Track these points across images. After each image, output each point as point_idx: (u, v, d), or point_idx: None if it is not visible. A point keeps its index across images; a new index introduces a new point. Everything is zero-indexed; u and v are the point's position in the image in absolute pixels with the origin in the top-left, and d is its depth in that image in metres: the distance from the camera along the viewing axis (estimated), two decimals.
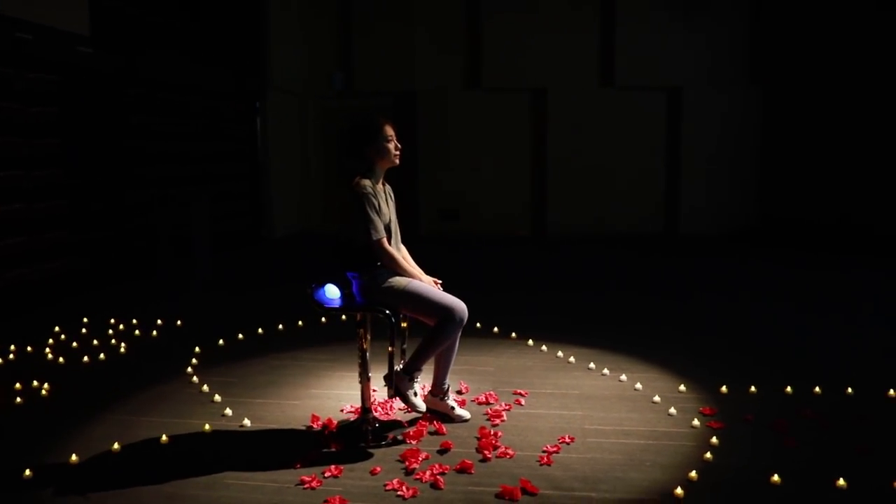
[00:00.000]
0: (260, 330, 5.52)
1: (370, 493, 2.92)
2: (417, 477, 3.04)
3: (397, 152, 3.45)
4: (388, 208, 3.49)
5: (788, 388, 4.09)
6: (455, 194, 11.83)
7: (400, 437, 3.46)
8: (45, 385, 4.20)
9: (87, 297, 6.88)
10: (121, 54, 7.53)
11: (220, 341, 5.19)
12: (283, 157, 11.47)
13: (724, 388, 4.11)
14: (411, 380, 3.49)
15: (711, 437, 3.43)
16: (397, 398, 3.62)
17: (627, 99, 11.52)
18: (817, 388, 4.08)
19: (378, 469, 3.12)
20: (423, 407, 3.55)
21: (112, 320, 5.76)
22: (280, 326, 5.62)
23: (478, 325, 5.48)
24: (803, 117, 10.81)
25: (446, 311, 3.37)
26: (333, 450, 3.34)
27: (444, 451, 3.31)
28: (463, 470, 3.10)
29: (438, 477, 3.01)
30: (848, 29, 10.01)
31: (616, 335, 5.37)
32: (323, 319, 5.84)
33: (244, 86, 10.42)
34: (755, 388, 4.11)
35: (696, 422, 3.62)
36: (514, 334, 5.32)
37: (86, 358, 4.78)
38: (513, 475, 3.06)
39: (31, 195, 6.44)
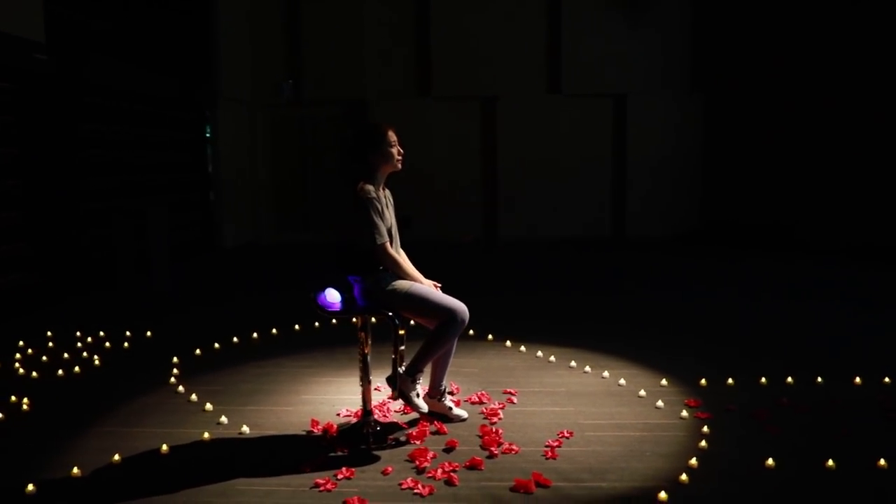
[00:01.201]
0: (235, 339, 5.46)
1: (387, 493, 2.96)
2: (430, 475, 3.09)
3: (400, 157, 3.51)
4: (389, 213, 3.54)
5: (763, 379, 4.31)
6: (407, 201, 11.85)
7: (403, 439, 3.50)
8: (25, 400, 4.06)
9: (47, 310, 6.65)
10: (73, 62, 7.32)
11: (198, 351, 5.11)
12: (232, 167, 11.30)
13: (703, 381, 4.31)
14: (413, 381, 3.53)
15: (702, 426, 3.60)
16: (395, 400, 3.67)
17: (575, 105, 11.83)
18: (789, 378, 4.32)
19: (389, 469, 3.15)
20: (425, 408, 3.60)
21: (78, 333, 5.60)
22: (255, 335, 5.57)
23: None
24: (742, 124, 11.33)
25: (449, 313, 3.44)
26: (339, 453, 3.36)
27: (449, 449, 3.37)
28: (473, 467, 3.17)
29: (452, 474, 3.07)
30: (785, 40, 10.56)
31: (587, 334, 5.53)
32: (297, 327, 5.82)
33: (193, 94, 10.24)
34: (732, 380, 4.31)
35: (684, 413, 3.79)
36: (490, 336, 5.42)
37: (60, 371, 4.64)
38: (522, 469, 3.14)
39: None
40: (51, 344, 5.32)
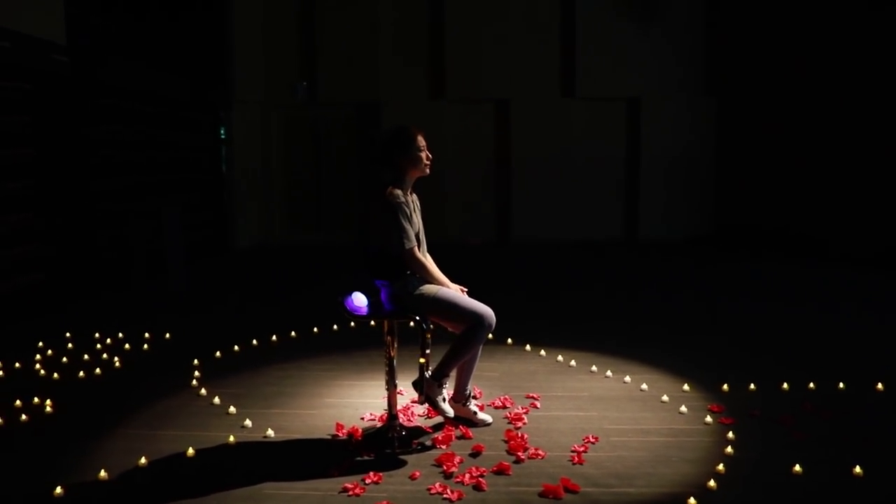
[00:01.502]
0: (255, 341, 5.47)
1: (416, 498, 2.95)
2: (458, 480, 3.09)
3: (428, 162, 3.52)
4: (417, 217, 3.54)
5: (785, 385, 4.30)
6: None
7: (428, 443, 3.50)
8: (48, 401, 4.08)
9: (63, 311, 6.67)
10: (91, 63, 7.36)
11: (218, 353, 5.12)
12: (246, 168, 11.33)
13: (725, 387, 4.29)
14: (440, 386, 3.53)
15: (727, 432, 3.59)
16: (422, 404, 3.67)
17: (588, 109, 11.82)
18: (811, 384, 4.30)
19: (417, 474, 3.15)
20: (451, 412, 3.60)
21: (97, 334, 5.61)
22: (274, 337, 5.58)
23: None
24: (755, 127, 11.29)
25: (476, 318, 3.44)
26: (365, 457, 3.36)
27: (476, 454, 3.37)
28: (500, 471, 3.17)
29: (480, 479, 3.07)
30: (798, 43, 10.52)
31: (604, 337, 5.52)
32: (315, 329, 5.83)
33: (208, 95, 10.27)
34: (753, 385, 4.30)
35: (708, 418, 3.78)
36: (509, 340, 5.41)
37: (81, 373, 4.66)
38: (549, 475, 3.14)
39: (2, 207, 6.22)
40: (70, 345, 5.34)
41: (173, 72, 9.34)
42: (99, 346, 5.36)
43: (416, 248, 3.46)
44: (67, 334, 5.60)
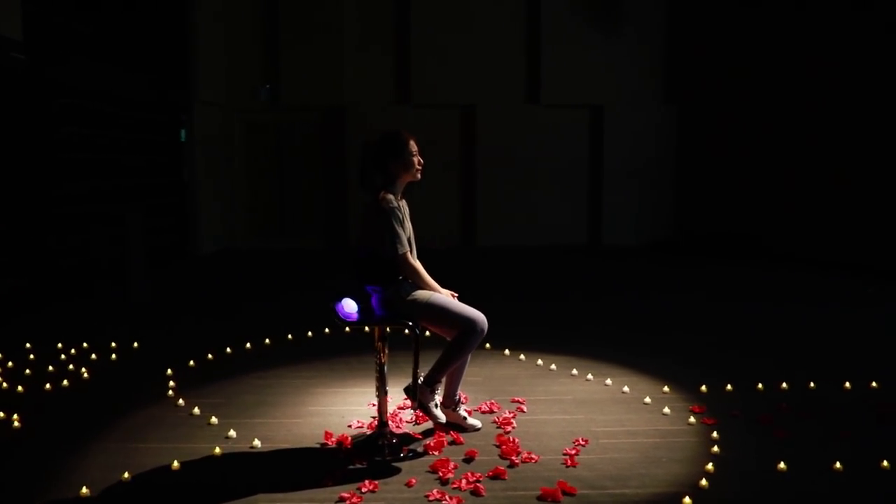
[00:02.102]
0: (228, 349, 5.34)
1: None
2: (455, 486, 3.07)
3: (420, 167, 3.50)
4: (407, 223, 3.53)
5: (760, 385, 4.41)
6: None
7: (420, 450, 3.47)
8: (15, 416, 3.91)
9: (22, 319, 6.42)
10: (50, 62, 7.11)
11: (191, 362, 4.99)
12: (208, 171, 11.10)
13: (703, 388, 4.38)
14: (432, 391, 3.51)
15: (711, 432, 3.66)
16: (414, 410, 3.65)
17: (552, 116, 11.95)
18: (784, 384, 4.42)
19: (413, 481, 3.12)
20: (443, 418, 3.58)
21: (59, 345, 5.41)
22: (248, 345, 5.47)
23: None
24: (714, 136, 11.59)
25: (468, 323, 3.43)
26: (358, 466, 3.31)
27: (469, 459, 3.35)
28: (496, 476, 3.16)
29: (477, 484, 3.06)
30: (757, 54, 10.83)
31: (580, 341, 5.58)
32: (290, 336, 5.73)
33: (169, 97, 10.04)
34: (730, 385, 4.39)
35: (691, 419, 3.85)
36: (488, 345, 5.41)
37: (48, 385, 4.48)
38: (544, 478, 3.15)
39: None
40: (32, 356, 5.13)
41: (134, 72, 9.11)
42: (63, 356, 5.16)
43: (409, 253, 3.44)
44: (27, 345, 5.39)
